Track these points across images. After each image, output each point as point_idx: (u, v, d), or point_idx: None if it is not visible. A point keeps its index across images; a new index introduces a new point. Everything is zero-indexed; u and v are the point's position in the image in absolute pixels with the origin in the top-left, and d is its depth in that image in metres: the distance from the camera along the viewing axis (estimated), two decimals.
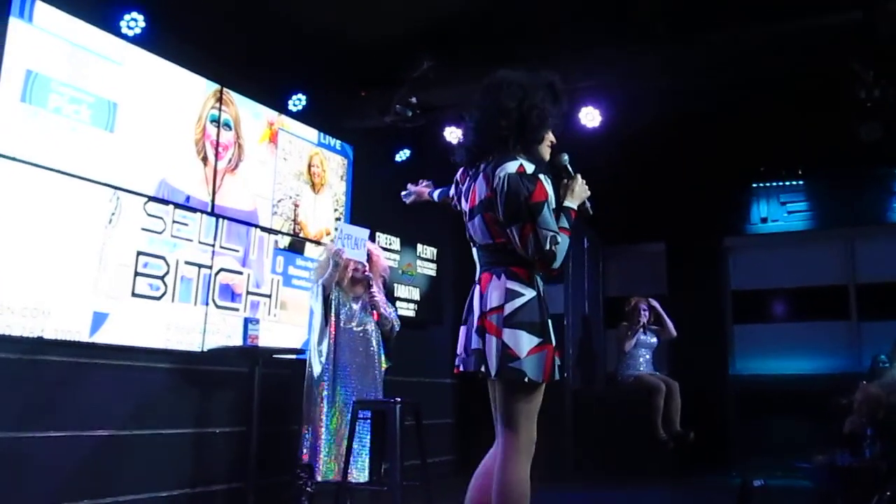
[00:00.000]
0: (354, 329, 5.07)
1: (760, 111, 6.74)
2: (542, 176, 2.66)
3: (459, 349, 2.83)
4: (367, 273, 5.12)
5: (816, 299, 8.05)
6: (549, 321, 2.71)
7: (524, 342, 2.60)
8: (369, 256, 5.19)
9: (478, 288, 2.75)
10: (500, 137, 2.75)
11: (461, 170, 3.00)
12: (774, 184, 8.21)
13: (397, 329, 5.24)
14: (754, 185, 8.29)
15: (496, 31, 5.55)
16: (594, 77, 6.01)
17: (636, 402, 7.06)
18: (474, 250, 2.89)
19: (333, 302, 5.08)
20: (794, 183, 8.17)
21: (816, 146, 7.35)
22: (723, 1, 5.16)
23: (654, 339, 7.44)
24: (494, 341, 2.61)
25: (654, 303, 7.56)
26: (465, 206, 2.87)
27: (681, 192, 8.05)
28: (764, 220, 8.25)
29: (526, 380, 2.60)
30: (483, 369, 2.64)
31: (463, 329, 2.82)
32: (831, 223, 8.06)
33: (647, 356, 7.37)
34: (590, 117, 6.25)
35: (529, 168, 2.65)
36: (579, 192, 2.87)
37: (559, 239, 2.63)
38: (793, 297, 8.25)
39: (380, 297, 5.16)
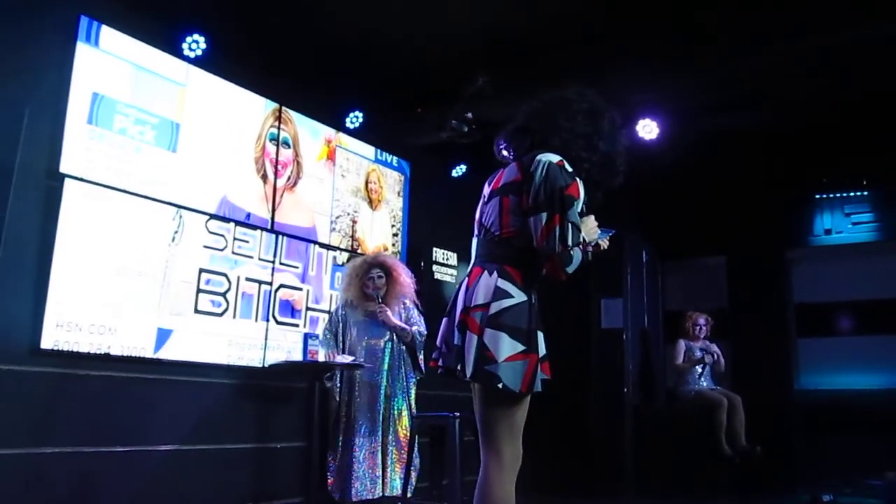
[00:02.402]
0: (370, 342, 5.10)
1: (822, 121, 6.61)
2: (578, 179, 2.56)
3: (439, 342, 2.67)
4: (377, 289, 5.12)
5: (884, 312, 7.82)
6: (540, 332, 2.52)
7: (504, 346, 2.42)
8: (391, 274, 5.18)
9: (465, 281, 2.60)
10: (576, 162, 2.63)
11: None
12: (838, 195, 8.03)
13: (420, 339, 5.19)
14: (817, 197, 8.11)
15: (551, 47, 5.54)
16: (652, 90, 5.97)
17: (697, 417, 6.93)
18: (474, 242, 2.73)
19: (347, 320, 5.16)
20: (859, 193, 7.98)
21: (880, 155, 7.18)
22: (782, 12, 5.08)
23: (710, 356, 7.30)
24: (475, 340, 2.44)
25: (715, 349, 7.41)
26: (485, 192, 2.73)
27: (741, 205, 7.92)
28: (828, 232, 8.06)
29: (500, 385, 2.40)
30: (459, 368, 2.48)
31: (445, 321, 2.66)
32: None
33: (706, 370, 7.24)
34: (647, 129, 6.19)
35: (568, 168, 2.55)
36: (590, 229, 2.67)
37: (581, 238, 2.53)
38: (859, 310, 8.02)
39: (389, 315, 5.10)
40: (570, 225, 2.47)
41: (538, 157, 2.54)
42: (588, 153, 2.67)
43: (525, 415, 2.55)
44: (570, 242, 2.47)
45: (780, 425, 7.33)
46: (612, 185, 2.74)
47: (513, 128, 2.77)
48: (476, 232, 2.74)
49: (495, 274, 2.51)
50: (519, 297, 2.49)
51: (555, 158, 2.54)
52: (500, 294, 2.48)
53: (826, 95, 6.14)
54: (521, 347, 2.44)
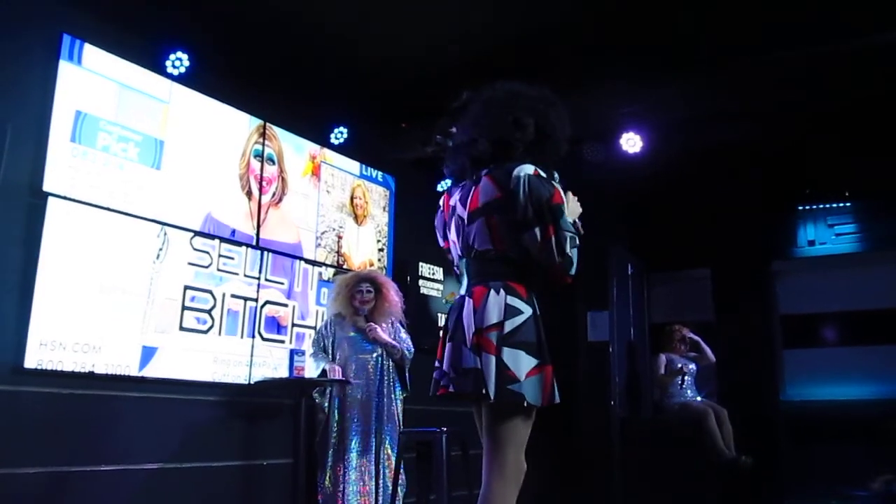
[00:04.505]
0: (360, 357, 5.08)
1: (804, 133, 6.66)
2: (555, 182, 2.58)
3: (445, 367, 2.57)
4: (364, 303, 5.12)
5: (868, 323, 7.87)
6: (546, 341, 2.53)
7: (523, 363, 2.42)
8: (380, 291, 5.17)
9: (469, 301, 2.54)
10: (511, 148, 2.65)
11: (447, 192, 2.86)
12: (821, 206, 8.08)
13: (409, 357, 5.19)
14: (800, 208, 8.17)
15: (535, 61, 5.56)
16: (636, 103, 5.99)
17: (684, 429, 6.94)
18: (461, 262, 2.70)
19: (335, 335, 5.14)
20: (842, 205, 8.04)
21: (863, 167, 7.24)
22: (766, 25, 5.12)
23: (693, 366, 7.34)
24: (493, 360, 2.41)
25: (691, 334, 7.48)
26: (461, 212, 2.68)
27: (726, 217, 7.96)
28: (811, 244, 8.11)
29: (525, 404, 2.41)
30: (483, 392, 2.41)
31: (449, 346, 2.56)
32: (881, 245, 7.88)
33: (689, 382, 7.26)
34: (631, 143, 6.21)
35: (543, 174, 2.56)
36: (573, 207, 2.68)
37: (577, 242, 2.52)
38: (844, 320, 8.07)
39: (379, 332, 5.09)
40: (564, 232, 2.48)
41: (515, 173, 2.53)
42: (550, 151, 2.70)
43: (530, 428, 2.54)
44: (567, 251, 2.48)
45: (767, 436, 7.36)
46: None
47: (466, 142, 2.74)
48: (459, 253, 2.71)
49: (502, 292, 2.50)
50: (527, 311, 2.50)
51: (530, 169, 2.54)
52: (511, 312, 2.47)
53: (809, 107, 6.19)
54: (535, 362, 2.46)
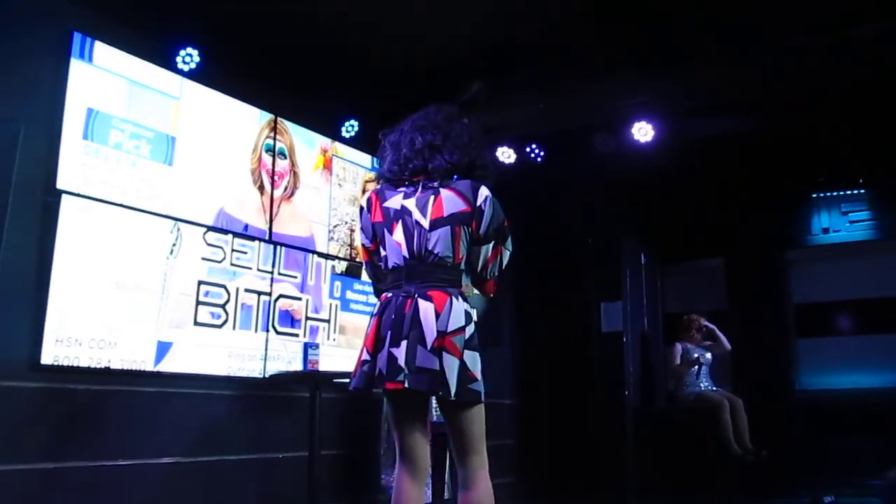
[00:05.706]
0: None
1: (817, 120, 6.61)
2: None
3: (402, 363, 2.61)
4: None
5: (883, 311, 7.82)
6: None
7: (479, 364, 2.67)
8: None
9: (428, 304, 2.64)
10: (475, 169, 2.87)
11: (375, 193, 2.93)
12: (835, 193, 8.02)
13: None
14: (814, 196, 8.11)
15: (544, 52, 5.55)
16: (646, 92, 5.97)
17: (699, 419, 6.93)
18: (411, 264, 2.74)
19: None
20: (856, 192, 7.97)
21: (877, 154, 7.19)
22: (778, 11, 5.09)
23: (709, 355, 7.33)
24: (457, 363, 2.60)
25: (706, 322, 7.47)
26: (418, 218, 2.76)
27: (739, 206, 7.92)
28: (826, 231, 8.05)
29: (483, 400, 2.69)
30: (441, 392, 2.60)
31: (405, 343, 2.62)
32: None
33: (705, 372, 7.25)
34: (642, 132, 6.19)
35: None
36: None
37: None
38: (859, 309, 8.02)
39: None
40: (507, 252, 2.83)
41: (481, 191, 2.75)
42: (485, 169, 2.93)
43: None
44: (504, 266, 2.83)
45: (781, 426, 7.34)
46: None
47: (425, 145, 2.89)
48: (406, 255, 2.77)
49: (460, 298, 2.70)
50: (474, 317, 2.74)
51: (488, 191, 2.77)
52: (468, 318, 2.69)
53: (822, 94, 6.14)
54: (480, 363, 2.71)
